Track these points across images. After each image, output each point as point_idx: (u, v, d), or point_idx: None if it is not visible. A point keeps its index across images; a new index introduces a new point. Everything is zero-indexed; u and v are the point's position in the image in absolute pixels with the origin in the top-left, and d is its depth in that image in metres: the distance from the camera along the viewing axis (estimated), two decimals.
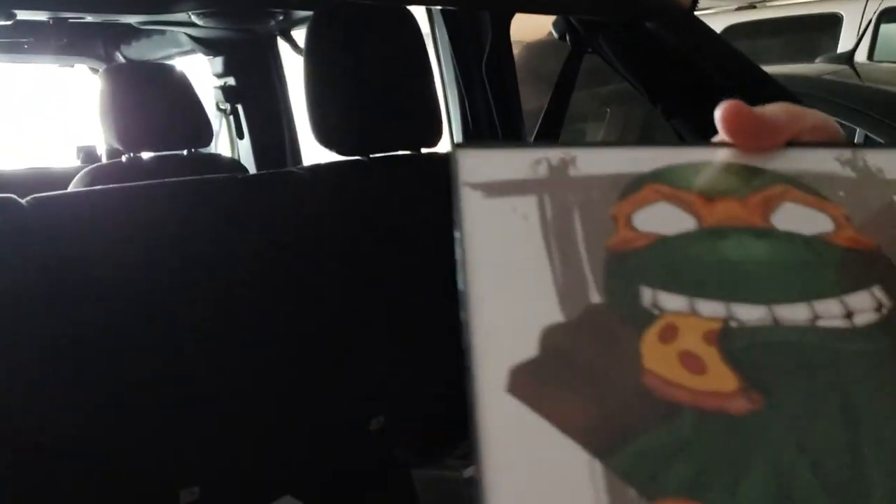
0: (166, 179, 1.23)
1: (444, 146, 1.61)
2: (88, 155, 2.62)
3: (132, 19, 1.81)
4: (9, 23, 1.24)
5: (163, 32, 2.13)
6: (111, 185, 1.18)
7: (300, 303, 1.34)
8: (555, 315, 0.33)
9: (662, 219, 0.37)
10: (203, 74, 2.24)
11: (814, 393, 0.31)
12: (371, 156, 1.43)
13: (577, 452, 0.29)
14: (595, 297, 0.34)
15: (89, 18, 1.84)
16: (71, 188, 1.69)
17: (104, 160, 2.59)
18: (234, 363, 1.26)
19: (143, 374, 1.14)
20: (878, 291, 0.35)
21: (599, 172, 0.39)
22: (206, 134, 1.90)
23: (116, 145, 1.79)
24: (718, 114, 0.39)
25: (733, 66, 1.19)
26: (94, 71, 2.58)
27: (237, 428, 1.27)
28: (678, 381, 0.31)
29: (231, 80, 2.10)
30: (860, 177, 0.39)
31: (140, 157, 1.83)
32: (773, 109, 0.41)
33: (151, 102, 1.79)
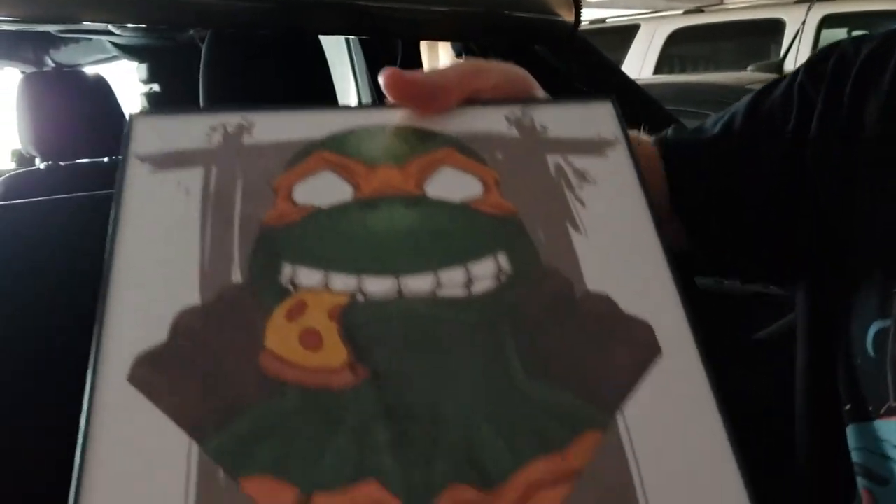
0: (90, 193, 1.22)
1: None
2: (24, 160, 2.62)
3: (50, 28, 1.82)
4: None
5: (89, 39, 2.13)
6: (37, 199, 1.16)
7: None
8: (192, 298, 0.35)
9: (322, 189, 0.39)
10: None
11: (414, 364, 0.34)
12: None
13: (178, 437, 0.31)
14: (236, 277, 0.36)
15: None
16: None
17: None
18: None
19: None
20: (501, 257, 0.37)
21: (273, 139, 0.40)
22: None
23: (33, 152, 1.80)
24: (381, 80, 0.40)
25: (612, 83, 1.23)
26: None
27: None
28: (292, 358, 0.33)
29: (156, 87, 2.11)
30: (523, 136, 0.42)
31: (59, 165, 1.84)
32: (444, 71, 0.43)
33: (69, 110, 1.80)
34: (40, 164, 1.84)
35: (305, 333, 0.34)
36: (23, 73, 2.65)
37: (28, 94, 1.79)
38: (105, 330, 0.33)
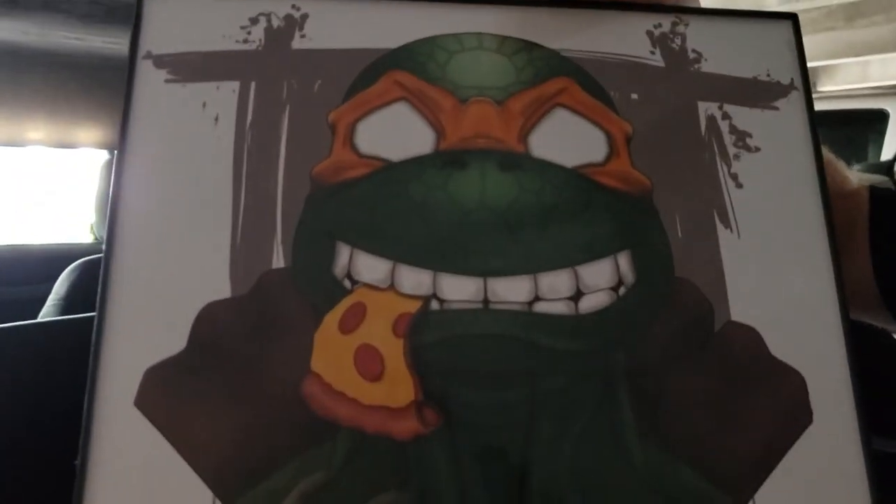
0: None
1: None
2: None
3: None
4: None
5: None
6: None
7: None
8: (220, 286, 0.27)
9: (394, 133, 0.29)
10: None
11: (499, 411, 0.26)
12: None
13: (202, 492, 0.24)
14: (278, 259, 0.27)
15: None
16: None
17: None
18: None
19: None
20: (623, 259, 0.28)
21: (332, 44, 0.29)
22: None
23: None
24: None
25: None
26: None
27: None
28: (344, 388, 0.26)
29: None
30: (670, 66, 0.31)
31: None
32: None
33: None
34: None
35: (363, 353, 0.26)
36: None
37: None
38: (106, 333, 0.26)
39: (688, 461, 0.26)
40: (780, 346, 0.28)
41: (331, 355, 0.26)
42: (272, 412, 0.25)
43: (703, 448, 0.26)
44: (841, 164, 0.42)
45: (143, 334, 0.26)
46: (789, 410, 0.27)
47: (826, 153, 0.31)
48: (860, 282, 0.39)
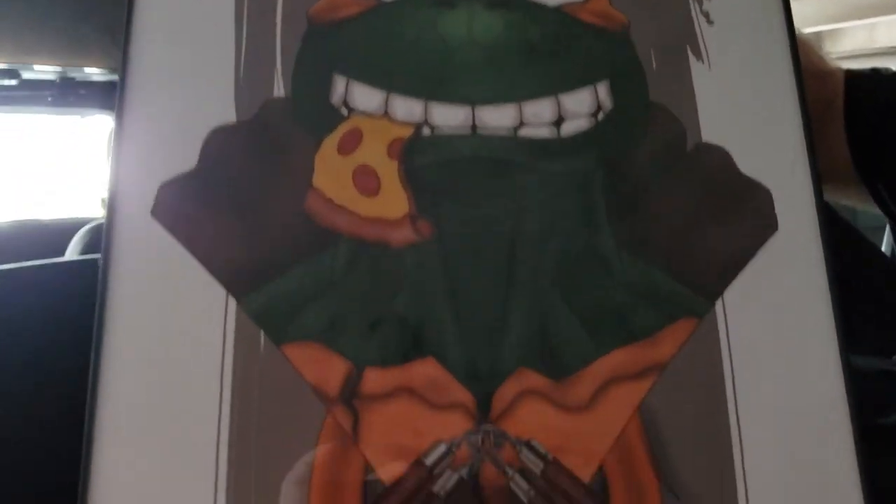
0: None
1: None
2: None
3: None
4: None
5: None
6: None
7: None
8: (226, 112, 0.29)
9: None
10: None
11: (487, 223, 0.28)
12: None
13: (213, 288, 0.27)
14: (279, 88, 0.29)
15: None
16: None
17: None
18: None
19: None
20: (602, 88, 0.30)
21: None
22: None
23: None
24: None
25: None
26: None
27: None
28: (344, 203, 0.28)
29: None
30: None
31: None
32: None
33: None
34: None
35: (361, 172, 0.28)
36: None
37: None
38: (121, 146, 0.28)
39: (661, 265, 0.28)
40: (749, 164, 0.30)
41: (331, 174, 0.28)
42: (278, 222, 0.28)
43: (675, 254, 0.29)
44: (817, 45, 0.44)
45: (156, 155, 0.28)
46: (756, 220, 0.29)
47: (801, 34, 0.33)
48: (836, 158, 0.40)
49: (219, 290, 0.27)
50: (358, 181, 0.28)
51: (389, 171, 0.29)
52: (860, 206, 0.45)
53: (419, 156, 0.29)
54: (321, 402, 0.26)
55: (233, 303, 0.27)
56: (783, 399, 0.28)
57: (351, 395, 0.26)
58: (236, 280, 0.27)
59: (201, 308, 0.27)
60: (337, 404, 0.26)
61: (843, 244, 0.44)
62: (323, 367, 0.26)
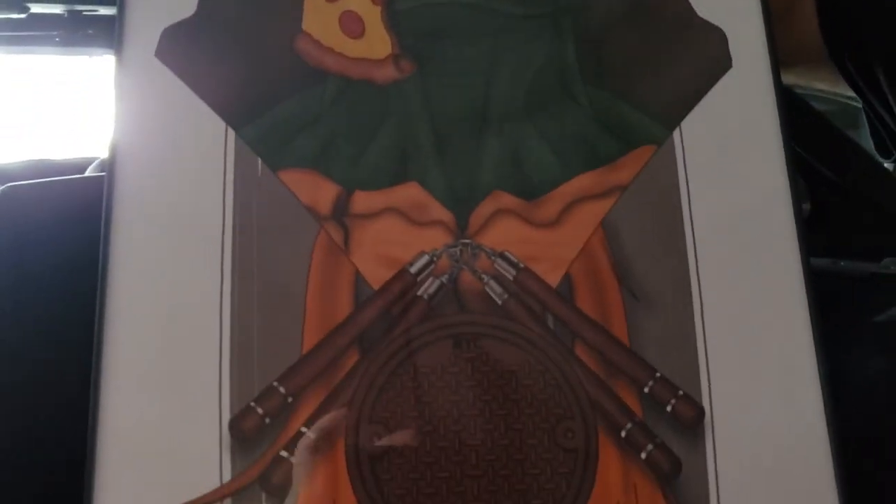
0: None
1: None
2: None
3: None
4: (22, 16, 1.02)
5: None
6: None
7: None
8: None
9: None
10: None
11: (465, 62, 0.31)
12: None
13: (213, 121, 0.29)
14: None
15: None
16: None
17: None
18: None
19: None
20: None
21: None
22: None
23: None
24: None
25: None
26: None
27: None
28: (332, 45, 0.31)
29: None
30: None
31: None
32: None
33: None
34: None
35: (346, 17, 0.31)
36: None
37: None
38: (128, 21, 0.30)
39: (625, 97, 0.31)
40: (705, 9, 0.32)
41: (319, 19, 0.31)
42: (272, 61, 0.30)
43: (638, 87, 0.31)
44: None
45: (160, 2, 0.30)
46: (711, 58, 0.32)
47: None
48: (806, 33, 0.42)
49: (219, 123, 0.29)
50: (344, 25, 0.31)
51: (373, 17, 0.31)
52: (831, 87, 0.47)
53: (401, 1, 0.31)
54: (314, 220, 0.29)
55: (232, 134, 0.29)
56: (735, 215, 0.30)
57: (342, 213, 0.29)
58: (234, 111, 0.30)
59: (203, 141, 0.29)
60: (329, 221, 0.29)
61: (827, 149, 0.47)
62: (315, 189, 0.29)
